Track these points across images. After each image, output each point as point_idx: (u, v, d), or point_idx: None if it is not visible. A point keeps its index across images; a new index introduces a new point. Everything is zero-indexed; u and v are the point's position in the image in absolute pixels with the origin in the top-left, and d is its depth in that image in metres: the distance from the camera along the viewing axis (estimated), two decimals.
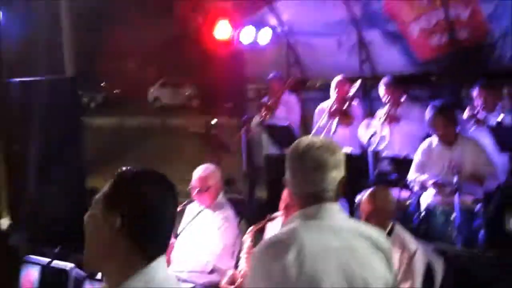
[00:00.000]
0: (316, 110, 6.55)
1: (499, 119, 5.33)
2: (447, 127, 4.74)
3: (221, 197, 4.12)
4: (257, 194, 7.39)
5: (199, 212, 3.96)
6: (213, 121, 6.55)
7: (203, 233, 3.97)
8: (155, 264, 1.55)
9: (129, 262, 1.53)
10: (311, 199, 2.02)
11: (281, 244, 1.96)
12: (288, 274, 1.89)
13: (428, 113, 4.84)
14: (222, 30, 6.90)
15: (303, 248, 1.92)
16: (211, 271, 3.80)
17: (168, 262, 3.91)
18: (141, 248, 1.54)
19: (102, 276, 1.60)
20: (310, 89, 8.33)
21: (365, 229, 2.06)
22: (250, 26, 7.11)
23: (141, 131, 17.52)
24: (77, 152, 5.25)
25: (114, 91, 28.92)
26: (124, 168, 1.61)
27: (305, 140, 2.10)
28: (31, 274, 3.47)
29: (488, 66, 6.59)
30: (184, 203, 4.01)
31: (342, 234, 1.99)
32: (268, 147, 6.68)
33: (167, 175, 1.70)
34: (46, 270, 3.44)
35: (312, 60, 7.83)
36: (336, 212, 2.04)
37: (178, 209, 3.87)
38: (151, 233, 1.55)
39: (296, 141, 2.10)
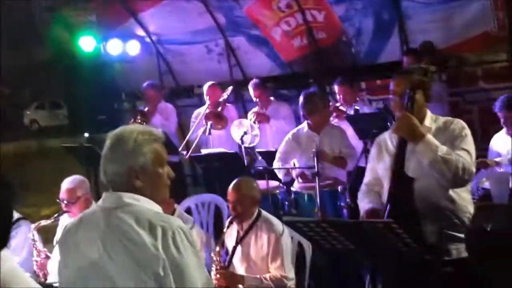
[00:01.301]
0: (193, 116, 6.70)
1: (356, 109, 5.79)
2: (318, 111, 5.02)
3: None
4: None
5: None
6: (86, 134, 6.45)
7: None
8: None
9: None
10: (106, 186, 2.20)
11: (64, 229, 2.29)
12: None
13: (300, 99, 5.09)
14: (87, 43, 6.86)
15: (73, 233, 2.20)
16: None
17: (45, 275, 3.87)
18: None
19: None
20: (190, 96, 8.37)
21: (134, 223, 2.10)
22: (116, 38, 7.13)
23: (18, 157, 16.71)
24: None
25: None
26: None
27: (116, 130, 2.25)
28: None
29: (346, 62, 7.12)
30: (55, 215, 3.98)
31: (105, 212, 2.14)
32: None
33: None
34: None
35: (183, 68, 8.00)
36: (120, 200, 2.14)
37: (50, 221, 3.87)
38: None
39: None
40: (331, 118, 5.71)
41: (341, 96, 5.94)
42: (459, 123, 2.99)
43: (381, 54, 6.89)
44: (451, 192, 2.90)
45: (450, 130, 2.96)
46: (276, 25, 7.19)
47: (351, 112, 5.82)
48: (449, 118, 3.10)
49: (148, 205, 2.15)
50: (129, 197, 2.13)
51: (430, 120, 3.03)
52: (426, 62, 2.97)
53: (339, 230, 2.55)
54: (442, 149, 2.78)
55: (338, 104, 5.93)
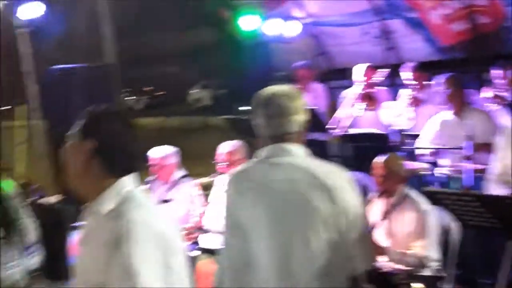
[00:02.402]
0: (342, 96, 6.81)
1: None
2: (455, 93, 5.00)
3: None
4: None
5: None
6: (243, 108, 6.84)
7: None
8: (123, 180, 1.93)
9: (102, 179, 1.91)
10: (270, 140, 2.30)
11: (235, 176, 2.38)
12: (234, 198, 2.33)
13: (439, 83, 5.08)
14: (249, 23, 7.21)
15: (248, 179, 2.30)
16: None
17: (200, 227, 4.30)
18: (110, 168, 1.92)
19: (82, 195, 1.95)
20: (344, 78, 8.42)
21: (315, 167, 2.22)
22: (277, 18, 7.42)
23: (183, 130, 18.09)
24: None
25: (158, 94, 29.83)
26: (92, 108, 2.00)
27: (269, 89, 2.34)
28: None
29: (508, 48, 6.70)
30: (212, 174, 4.38)
31: (287, 169, 2.23)
32: None
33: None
34: None
35: (338, 50, 8.09)
36: (289, 151, 2.26)
37: (207, 180, 4.28)
38: (117, 156, 1.93)
39: (261, 90, 2.35)
40: (488, 104, 5.49)
41: (504, 81, 5.65)
42: None
43: None
44: None
45: None
46: (435, 8, 6.97)
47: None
48: None
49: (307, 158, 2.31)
50: (295, 148, 2.28)
51: None
52: None
53: (484, 205, 2.51)
54: None
55: (496, 90, 5.66)
